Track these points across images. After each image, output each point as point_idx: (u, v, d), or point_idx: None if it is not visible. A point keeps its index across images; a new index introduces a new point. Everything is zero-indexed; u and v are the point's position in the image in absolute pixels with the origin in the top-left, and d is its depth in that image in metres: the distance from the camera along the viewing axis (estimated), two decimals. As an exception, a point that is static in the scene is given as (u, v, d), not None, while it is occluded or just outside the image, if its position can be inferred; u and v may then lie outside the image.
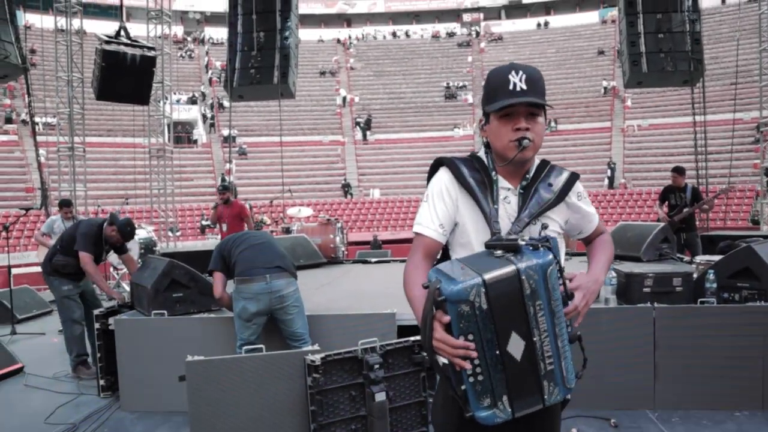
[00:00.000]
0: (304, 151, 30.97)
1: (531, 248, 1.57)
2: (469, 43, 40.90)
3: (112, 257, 6.88)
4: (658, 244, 6.50)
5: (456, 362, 1.53)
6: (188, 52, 38.54)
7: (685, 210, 7.79)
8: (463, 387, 1.57)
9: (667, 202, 8.09)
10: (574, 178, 1.87)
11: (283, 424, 3.61)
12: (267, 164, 29.19)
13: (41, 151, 16.54)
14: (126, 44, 11.25)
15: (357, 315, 4.53)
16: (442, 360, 1.58)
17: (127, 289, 7.35)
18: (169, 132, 16.14)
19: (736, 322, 4.11)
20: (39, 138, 17.15)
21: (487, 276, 1.50)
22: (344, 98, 35.51)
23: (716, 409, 4.10)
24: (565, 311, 1.61)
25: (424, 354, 3.59)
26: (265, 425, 3.58)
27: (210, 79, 36.05)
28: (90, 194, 14.96)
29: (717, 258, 4.91)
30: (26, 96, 20.63)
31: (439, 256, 1.93)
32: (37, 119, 20.58)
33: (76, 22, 13.42)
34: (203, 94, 34.85)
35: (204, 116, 33.18)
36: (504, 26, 43.81)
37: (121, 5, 13.43)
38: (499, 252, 1.60)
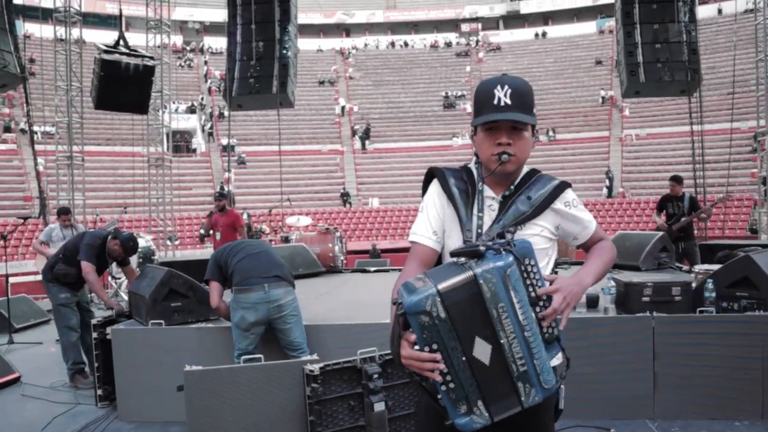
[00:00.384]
0: (303, 161, 31.00)
1: (493, 253, 1.59)
2: (468, 53, 41.06)
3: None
4: (657, 253, 6.49)
5: (426, 375, 1.57)
6: (187, 62, 38.65)
7: (683, 219, 7.80)
8: (439, 396, 1.60)
9: (665, 211, 8.10)
10: (560, 188, 1.89)
11: (281, 434, 3.59)
12: (266, 173, 29.20)
13: (40, 160, 16.56)
14: (125, 53, 11.30)
15: (356, 324, 4.52)
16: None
17: (125, 298, 7.34)
18: (167, 141, 16.18)
19: (736, 332, 4.11)
20: (37, 147, 17.20)
21: (441, 285, 1.54)
22: (343, 108, 35.58)
23: (716, 419, 4.09)
24: (543, 314, 1.61)
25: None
26: (263, 435, 3.57)
27: (209, 89, 36.13)
28: (88, 203, 14.98)
29: (716, 267, 4.91)
30: (25, 105, 20.67)
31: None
32: (35, 128, 20.63)
33: (75, 32, 13.46)
34: (202, 104, 34.91)
35: (203, 125, 33.22)
36: (502, 36, 43.97)
37: (120, 15, 13.47)
38: (462, 259, 1.63)
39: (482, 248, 1.60)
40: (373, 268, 8.81)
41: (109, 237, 5.60)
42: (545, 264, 1.86)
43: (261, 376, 3.57)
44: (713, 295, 4.28)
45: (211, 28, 42.44)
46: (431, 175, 1.99)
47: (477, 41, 43.18)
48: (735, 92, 19.98)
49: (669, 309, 4.29)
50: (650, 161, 28.27)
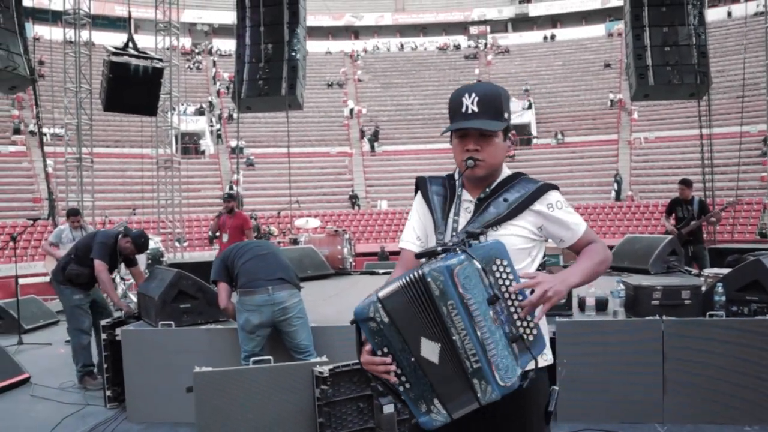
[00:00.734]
0: (312, 163, 31.04)
1: (449, 252, 1.65)
2: (476, 56, 41.04)
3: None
4: (666, 256, 6.47)
5: (382, 378, 1.68)
6: (196, 64, 38.79)
7: (693, 223, 7.77)
8: (403, 398, 1.68)
9: (674, 215, 8.07)
10: (541, 190, 1.90)
11: (289, 436, 3.60)
12: (274, 175, 29.26)
13: (49, 161, 16.62)
14: (134, 56, 11.34)
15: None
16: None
17: (134, 299, 7.37)
18: (176, 143, 16.24)
19: (746, 336, 4.08)
20: (47, 149, 17.25)
21: (381, 293, 1.63)
22: (352, 110, 35.63)
23: (726, 424, 4.06)
24: (520, 305, 1.64)
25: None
26: (271, 437, 3.57)
27: (218, 91, 36.26)
28: (97, 205, 15.05)
29: (725, 271, 4.89)
30: (35, 107, 20.76)
31: None
32: (45, 130, 20.77)
33: (84, 34, 13.56)
34: (211, 105, 35.03)
35: (211, 127, 33.34)
36: (511, 39, 43.90)
37: (129, 17, 13.53)
38: (423, 260, 1.69)
39: (438, 249, 1.68)
40: (381, 271, 8.80)
41: (120, 235, 5.65)
42: (526, 264, 1.88)
43: (270, 378, 3.58)
44: (723, 298, 4.26)
45: (220, 31, 42.60)
46: (417, 183, 2.11)
47: (485, 44, 43.15)
48: (744, 95, 19.88)
49: (678, 313, 4.27)
50: (659, 164, 28.16)
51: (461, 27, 46.51)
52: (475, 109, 1.82)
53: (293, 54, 11.30)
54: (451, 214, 1.91)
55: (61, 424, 4.56)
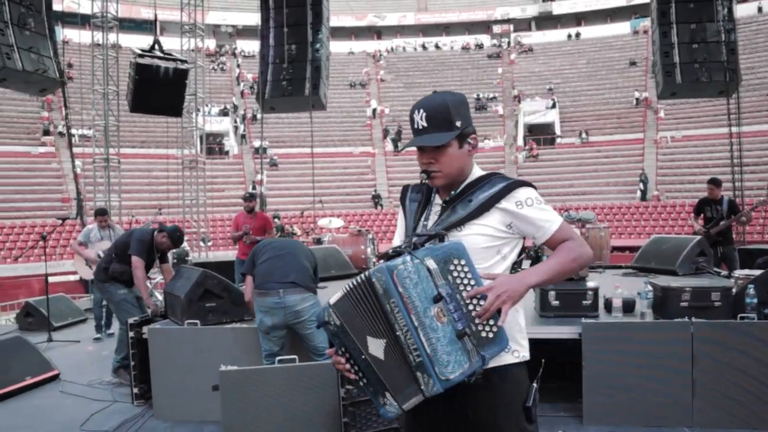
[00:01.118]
0: (335, 163, 31.13)
1: (399, 254, 1.76)
2: (499, 55, 40.80)
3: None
4: (695, 257, 6.36)
5: (345, 375, 1.82)
6: (220, 65, 39.11)
7: (722, 223, 7.63)
8: (366, 392, 1.81)
9: (702, 215, 7.94)
10: (509, 188, 1.91)
11: (314, 436, 3.61)
12: (298, 175, 29.38)
13: (77, 162, 16.88)
14: (159, 57, 11.47)
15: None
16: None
17: (160, 298, 7.46)
18: (201, 143, 16.37)
19: (778, 339, 3.99)
20: (75, 149, 17.55)
21: (332, 298, 1.78)
22: (374, 110, 35.66)
23: (758, 429, 3.99)
24: (477, 313, 1.70)
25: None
26: (296, 436, 3.58)
27: (242, 91, 36.52)
28: (124, 204, 15.23)
29: (756, 272, 4.79)
30: (63, 109, 21.12)
31: None
32: (73, 131, 21.09)
33: (112, 37, 13.76)
34: (235, 106, 35.31)
35: (235, 128, 33.59)
36: (534, 38, 43.60)
37: (155, 20, 13.72)
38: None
39: (390, 251, 1.81)
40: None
41: (155, 231, 5.81)
42: (495, 262, 1.90)
43: (295, 378, 3.59)
44: (755, 300, 4.17)
45: (244, 32, 42.95)
46: None
47: (509, 43, 42.90)
48: (775, 93, 19.50)
49: (708, 315, 4.19)
50: (686, 164, 27.74)
51: (484, 26, 46.29)
52: (425, 124, 1.90)
53: (316, 54, 11.34)
54: (422, 219, 2.00)
55: (89, 420, 4.64)
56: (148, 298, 5.73)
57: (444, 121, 1.89)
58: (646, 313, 4.43)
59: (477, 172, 2.00)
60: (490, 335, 1.71)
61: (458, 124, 1.90)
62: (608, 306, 4.60)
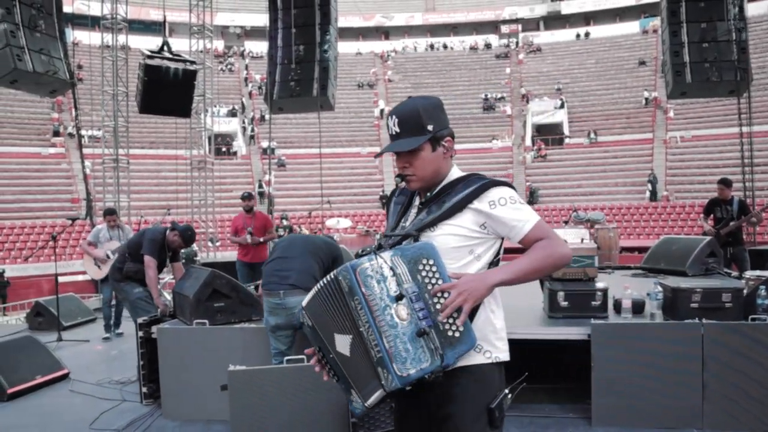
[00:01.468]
0: (343, 163, 31.17)
1: (366, 254, 1.82)
2: (508, 55, 40.73)
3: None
4: (705, 258, 6.30)
5: (320, 372, 1.93)
6: (228, 66, 39.24)
7: (732, 223, 7.58)
8: (339, 388, 1.90)
9: (712, 216, 7.89)
10: (482, 188, 1.91)
11: (322, 436, 3.61)
12: (305, 176, 29.44)
13: (87, 163, 16.99)
14: (168, 59, 11.52)
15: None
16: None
17: (169, 298, 7.48)
18: (209, 144, 16.43)
19: (790, 340, 3.96)
20: (85, 150, 17.68)
21: (304, 301, 1.88)
22: (382, 110, 35.66)
23: (768, 431, 3.96)
24: (438, 310, 1.73)
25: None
26: (304, 436, 3.58)
27: (250, 92, 36.62)
28: (133, 205, 15.31)
29: (767, 273, 4.75)
30: (73, 110, 21.25)
31: None
32: (83, 132, 21.22)
33: (121, 38, 13.84)
34: (243, 107, 35.40)
35: (244, 128, 33.68)
36: (543, 37, 43.50)
37: (164, 21, 13.77)
38: None
39: (359, 251, 1.87)
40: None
41: (168, 230, 5.88)
42: (468, 261, 1.91)
43: (304, 377, 3.59)
44: (766, 302, 4.14)
45: (252, 33, 43.08)
46: None
47: (517, 43, 42.82)
48: (786, 92, 19.36)
49: (718, 316, 4.15)
50: (695, 164, 27.59)
51: (492, 26, 46.23)
52: (397, 129, 1.93)
53: (325, 55, 11.33)
54: (402, 220, 2.05)
55: (99, 419, 4.65)
56: (158, 298, 5.76)
57: (416, 125, 1.92)
58: (656, 314, 4.39)
59: (455, 173, 2.01)
60: (456, 334, 1.74)
61: (430, 128, 1.92)
62: (617, 307, 4.57)
